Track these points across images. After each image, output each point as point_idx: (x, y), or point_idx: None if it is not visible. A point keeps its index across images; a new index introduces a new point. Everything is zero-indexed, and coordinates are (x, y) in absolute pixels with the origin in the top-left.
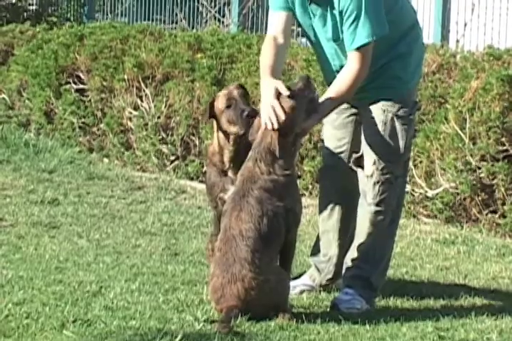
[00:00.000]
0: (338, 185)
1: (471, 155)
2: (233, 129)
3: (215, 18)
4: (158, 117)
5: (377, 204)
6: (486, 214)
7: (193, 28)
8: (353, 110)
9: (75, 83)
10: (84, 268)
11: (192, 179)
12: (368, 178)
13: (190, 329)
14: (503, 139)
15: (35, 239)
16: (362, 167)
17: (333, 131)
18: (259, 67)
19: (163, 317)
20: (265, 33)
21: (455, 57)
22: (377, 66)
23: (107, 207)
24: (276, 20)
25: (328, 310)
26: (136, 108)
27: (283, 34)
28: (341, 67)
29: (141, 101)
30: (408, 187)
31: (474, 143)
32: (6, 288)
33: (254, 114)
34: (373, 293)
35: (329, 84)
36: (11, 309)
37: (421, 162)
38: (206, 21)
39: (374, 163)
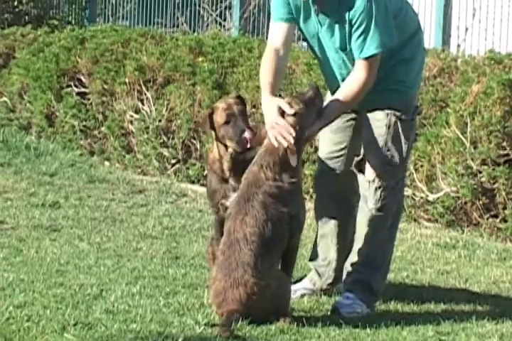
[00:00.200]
0: (334, 190)
1: (472, 160)
2: (231, 145)
3: (216, 21)
4: (159, 120)
5: (378, 210)
6: (487, 219)
7: (194, 31)
8: (353, 115)
9: (76, 86)
10: (85, 271)
11: (193, 182)
12: (369, 183)
13: (190, 332)
14: (504, 143)
15: (36, 242)
16: (363, 171)
17: (331, 135)
18: (260, 78)
19: (163, 320)
20: (266, 37)
21: (456, 61)
22: (381, 70)
23: (107, 210)
24: (277, 31)
25: (328, 313)
26: (137, 111)
27: (284, 46)
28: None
29: (142, 104)
30: (409, 191)
31: (475, 148)
32: (7, 290)
33: (253, 134)
34: (374, 297)
35: (333, 91)
36: (11, 312)
37: (422, 166)
38: (207, 25)
39: (376, 168)
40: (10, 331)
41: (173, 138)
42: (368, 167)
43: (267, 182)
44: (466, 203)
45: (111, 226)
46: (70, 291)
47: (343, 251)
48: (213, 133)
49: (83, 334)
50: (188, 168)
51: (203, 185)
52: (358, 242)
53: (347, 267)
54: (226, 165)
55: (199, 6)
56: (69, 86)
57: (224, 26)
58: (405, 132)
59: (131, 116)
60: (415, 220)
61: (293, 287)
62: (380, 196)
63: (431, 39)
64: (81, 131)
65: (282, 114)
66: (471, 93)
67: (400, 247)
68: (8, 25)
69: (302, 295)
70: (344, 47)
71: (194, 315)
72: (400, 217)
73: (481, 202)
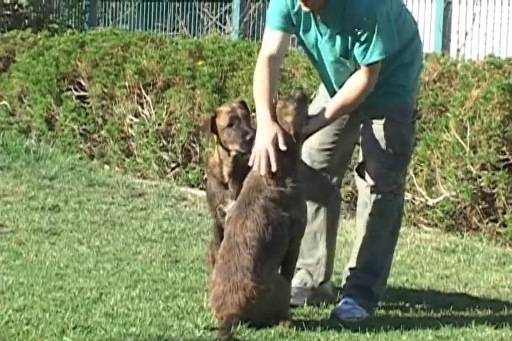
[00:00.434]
0: (322, 184)
1: (472, 164)
2: (234, 148)
3: (216, 25)
4: (159, 124)
5: (379, 215)
6: (487, 223)
7: (194, 35)
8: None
9: (76, 90)
10: (85, 275)
11: (192, 186)
12: (371, 188)
13: (190, 336)
14: (504, 148)
15: (35, 246)
16: (363, 176)
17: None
18: (255, 90)
19: (163, 324)
20: None
21: (456, 65)
22: (382, 75)
23: (107, 213)
24: (273, 39)
25: (328, 317)
26: (137, 115)
27: (278, 55)
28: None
29: (142, 108)
30: (409, 196)
31: (475, 152)
32: (6, 294)
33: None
34: (374, 302)
35: (331, 95)
36: (11, 315)
37: (421, 170)
38: (207, 29)
39: (377, 172)
40: (9, 334)
41: (172, 142)
42: (368, 171)
43: (268, 187)
44: (465, 208)
45: (110, 230)
46: (70, 295)
47: (333, 246)
48: (215, 137)
49: (82, 338)
50: (187, 172)
51: (202, 188)
52: (358, 247)
53: (346, 272)
54: (226, 170)
55: (199, 10)
56: (69, 89)
57: (224, 30)
58: (406, 136)
59: (131, 120)
60: (415, 225)
61: None
62: (381, 201)
63: (431, 43)
64: (81, 134)
65: (276, 142)
66: (471, 98)
67: (400, 251)
68: (8, 29)
69: (295, 294)
70: (346, 56)
71: (193, 319)
72: (400, 223)
73: (480, 207)
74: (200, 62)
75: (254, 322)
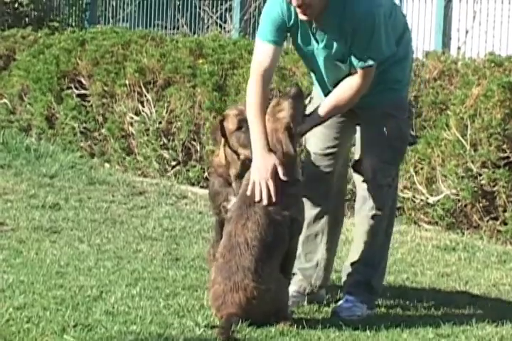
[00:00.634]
0: (326, 188)
1: (472, 162)
2: (243, 151)
3: (216, 23)
4: (160, 122)
5: (378, 209)
6: (487, 221)
7: (194, 33)
8: (347, 113)
9: (76, 88)
10: (85, 273)
11: (193, 184)
12: (369, 182)
13: (190, 334)
14: (504, 146)
15: (36, 244)
16: (360, 172)
17: (325, 131)
18: (250, 107)
19: (163, 322)
20: None
21: (456, 63)
22: (378, 73)
23: (107, 212)
24: (265, 53)
25: (328, 316)
26: (137, 113)
27: (270, 70)
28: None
29: (143, 106)
30: (409, 194)
31: (475, 150)
32: (6, 292)
33: None
34: (374, 296)
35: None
36: (11, 313)
37: (422, 168)
38: (208, 27)
39: (375, 166)
40: (10, 332)
41: (173, 140)
42: (366, 166)
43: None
44: (466, 206)
45: (111, 228)
46: (70, 293)
47: (333, 251)
48: (223, 140)
49: (83, 336)
50: (188, 170)
51: (203, 187)
52: (357, 243)
53: (346, 269)
54: (234, 172)
55: (199, 8)
56: (69, 88)
57: (224, 28)
58: (404, 130)
59: (132, 118)
60: (415, 223)
61: None
62: (381, 194)
63: (431, 41)
64: (81, 132)
65: (275, 173)
66: (472, 95)
67: (400, 249)
68: (8, 27)
69: (293, 303)
70: (342, 60)
71: (194, 317)
72: (394, 214)
73: (481, 205)
74: (200, 61)
75: (255, 321)
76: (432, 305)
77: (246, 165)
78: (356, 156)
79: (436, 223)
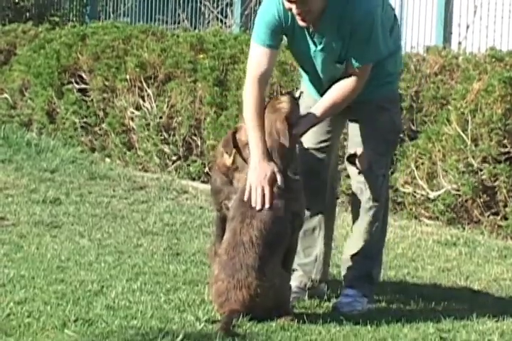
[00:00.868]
0: (320, 182)
1: (473, 157)
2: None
3: (217, 18)
4: (160, 117)
5: (375, 199)
6: (488, 216)
7: (195, 28)
8: None
9: (77, 83)
10: (86, 268)
11: (194, 179)
12: (365, 174)
13: (191, 329)
14: (505, 141)
15: (36, 238)
16: (356, 165)
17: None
18: (248, 113)
19: (164, 316)
20: None
21: (457, 58)
22: (373, 68)
23: (108, 206)
24: (261, 57)
25: (329, 310)
26: (138, 108)
27: (267, 74)
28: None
29: (143, 101)
30: (410, 189)
31: (476, 145)
32: (7, 287)
33: None
34: (374, 286)
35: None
36: (12, 308)
37: (423, 163)
38: (208, 22)
39: (370, 158)
40: (10, 327)
41: (174, 135)
42: (362, 158)
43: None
44: (466, 201)
45: (112, 223)
46: (71, 287)
47: (330, 244)
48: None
49: (84, 331)
50: (188, 165)
51: (203, 181)
52: (356, 235)
53: (346, 261)
54: (243, 177)
55: (200, 2)
56: (70, 82)
57: (225, 23)
58: (397, 123)
59: (132, 113)
60: (416, 218)
61: None
62: (376, 185)
63: (432, 36)
64: (82, 127)
65: (273, 180)
66: (472, 90)
67: (401, 244)
68: (9, 22)
69: (294, 298)
70: (339, 61)
71: (195, 312)
72: (388, 204)
73: (481, 200)
74: (201, 55)
75: (256, 316)
76: (433, 300)
77: None
78: (350, 150)
79: (437, 218)
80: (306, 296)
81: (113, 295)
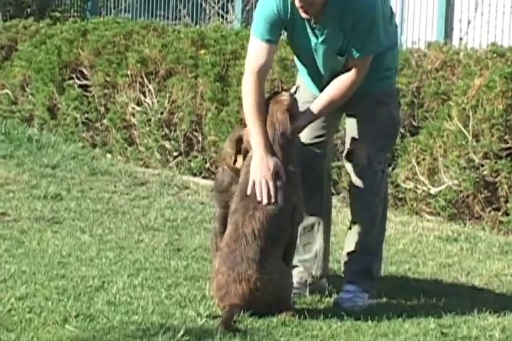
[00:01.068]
0: (318, 177)
1: (474, 153)
2: None
3: (218, 14)
4: (162, 113)
5: (375, 194)
6: (489, 212)
7: (196, 24)
8: None
9: (78, 78)
10: (87, 263)
11: (195, 175)
12: (364, 170)
13: (192, 324)
14: (507, 137)
15: (38, 234)
16: (354, 161)
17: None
18: (249, 109)
19: (165, 312)
20: None
21: (458, 54)
22: (372, 62)
23: (109, 202)
24: (260, 52)
25: (330, 305)
26: (139, 103)
27: (265, 69)
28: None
29: (145, 96)
30: (411, 185)
31: (477, 141)
32: (8, 282)
33: None
34: (374, 281)
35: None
36: (13, 303)
37: (424, 159)
38: (209, 17)
39: (369, 153)
40: (11, 322)
41: (175, 131)
42: (360, 154)
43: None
44: (468, 196)
45: (113, 219)
46: (72, 283)
47: (329, 239)
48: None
49: (85, 326)
50: (190, 161)
51: (205, 177)
52: (355, 231)
53: (346, 257)
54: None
55: None
56: (71, 78)
57: (226, 19)
58: (396, 117)
59: (133, 109)
60: (417, 213)
61: None
62: (376, 180)
63: (433, 32)
64: (83, 123)
65: (276, 175)
66: (474, 86)
67: (402, 240)
68: (10, 18)
69: (295, 294)
70: (340, 53)
71: (196, 307)
72: (387, 200)
73: (483, 196)
74: (202, 51)
75: (257, 311)
76: (434, 296)
77: None
78: (348, 145)
79: (438, 214)
80: (307, 292)
81: (114, 290)
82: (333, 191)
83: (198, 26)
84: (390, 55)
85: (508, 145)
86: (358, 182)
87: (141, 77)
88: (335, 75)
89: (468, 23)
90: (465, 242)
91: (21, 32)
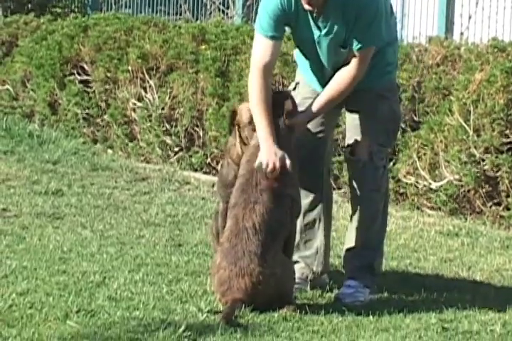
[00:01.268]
0: (319, 173)
1: (475, 147)
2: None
3: (219, 9)
4: (162, 108)
5: (376, 190)
6: (490, 207)
7: (197, 19)
8: None
9: (79, 74)
10: (88, 259)
11: (196, 170)
12: (366, 165)
13: (193, 319)
14: (507, 131)
15: (39, 230)
16: (356, 156)
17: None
18: (256, 104)
19: (166, 307)
20: None
21: (459, 49)
22: (373, 57)
23: (110, 198)
24: (266, 48)
25: (331, 301)
26: (140, 99)
27: (271, 64)
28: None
29: (145, 92)
30: (412, 179)
31: (478, 135)
32: (9, 278)
33: None
34: (376, 277)
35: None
36: (14, 299)
37: (425, 154)
38: (210, 13)
39: (371, 149)
40: (13, 318)
41: (176, 126)
42: (362, 149)
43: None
44: (469, 191)
45: (114, 214)
46: (73, 278)
47: (329, 235)
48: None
49: (86, 322)
50: (191, 156)
51: (206, 172)
52: (357, 226)
53: (347, 253)
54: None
55: None
56: (72, 74)
57: (227, 14)
58: (397, 112)
59: (134, 104)
60: (418, 208)
61: None
62: (377, 176)
63: (434, 27)
64: (84, 119)
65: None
66: (475, 81)
67: (403, 235)
68: (11, 13)
69: (296, 289)
70: (343, 45)
71: (197, 303)
72: (388, 195)
73: (484, 190)
74: (203, 46)
75: (259, 306)
76: (435, 291)
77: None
78: (349, 141)
79: (439, 208)
80: (308, 287)
81: (115, 286)
82: (333, 186)
83: (198, 22)
84: (391, 50)
85: (508, 140)
86: (359, 177)
87: (142, 73)
88: (337, 69)
89: (469, 17)
90: (466, 237)
91: (22, 28)
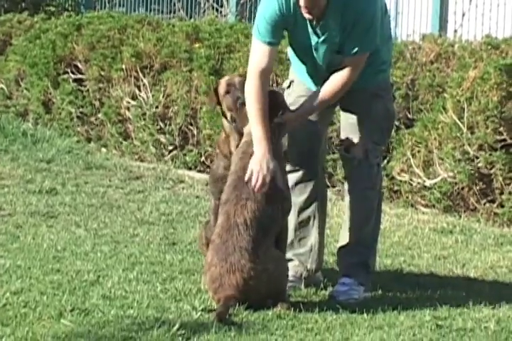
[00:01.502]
0: (314, 170)
1: (469, 145)
2: (230, 115)
3: (212, 7)
4: (156, 107)
5: (371, 188)
6: (484, 204)
7: (190, 17)
8: None
9: (72, 73)
10: (82, 258)
11: (190, 169)
12: (361, 163)
13: (187, 318)
14: (501, 129)
15: (33, 229)
16: (351, 154)
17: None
18: (248, 106)
19: (160, 306)
20: None
21: (453, 46)
22: (368, 56)
23: (104, 196)
24: (263, 54)
25: (325, 298)
26: (134, 98)
27: (268, 69)
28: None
29: (139, 90)
30: (406, 177)
31: (472, 133)
32: (3, 277)
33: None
34: (370, 274)
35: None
36: (8, 298)
37: (419, 151)
38: (204, 11)
39: (366, 147)
40: (7, 317)
41: (170, 125)
42: (357, 147)
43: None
44: (463, 188)
45: (108, 213)
46: (67, 277)
47: (323, 233)
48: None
49: (80, 320)
50: (185, 155)
51: (200, 171)
52: (351, 224)
53: (342, 250)
54: (233, 145)
55: None
56: (66, 72)
57: (221, 12)
58: (391, 110)
59: (128, 103)
60: (412, 206)
61: None
62: (371, 174)
63: (428, 24)
64: (78, 117)
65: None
66: (468, 78)
67: (397, 232)
68: (4, 12)
69: (290, 287)
70: (340, 51)
71: (191, 301)
72: (382, 191)
73: (478, 188)
74: (196, 45)
75: (252, 303)
76: (429, 288)
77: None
78: (343, 139)
79: (433, 206)
80: (303, 285)
81: (109, 284)
82: (328, 184)
83: (192, 20)
84: (385, 48)
85: (502, 137)
86: (354, 175)
87: (136, 71)
88: (333, 70)
89: (463, 15)
90: (460, 234)
91: (16, 26)
